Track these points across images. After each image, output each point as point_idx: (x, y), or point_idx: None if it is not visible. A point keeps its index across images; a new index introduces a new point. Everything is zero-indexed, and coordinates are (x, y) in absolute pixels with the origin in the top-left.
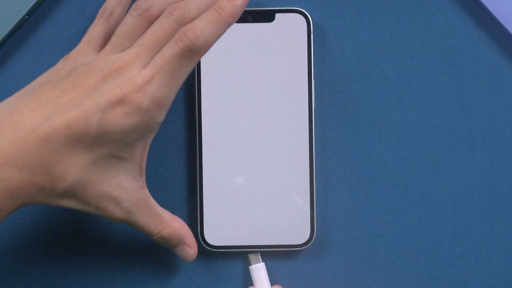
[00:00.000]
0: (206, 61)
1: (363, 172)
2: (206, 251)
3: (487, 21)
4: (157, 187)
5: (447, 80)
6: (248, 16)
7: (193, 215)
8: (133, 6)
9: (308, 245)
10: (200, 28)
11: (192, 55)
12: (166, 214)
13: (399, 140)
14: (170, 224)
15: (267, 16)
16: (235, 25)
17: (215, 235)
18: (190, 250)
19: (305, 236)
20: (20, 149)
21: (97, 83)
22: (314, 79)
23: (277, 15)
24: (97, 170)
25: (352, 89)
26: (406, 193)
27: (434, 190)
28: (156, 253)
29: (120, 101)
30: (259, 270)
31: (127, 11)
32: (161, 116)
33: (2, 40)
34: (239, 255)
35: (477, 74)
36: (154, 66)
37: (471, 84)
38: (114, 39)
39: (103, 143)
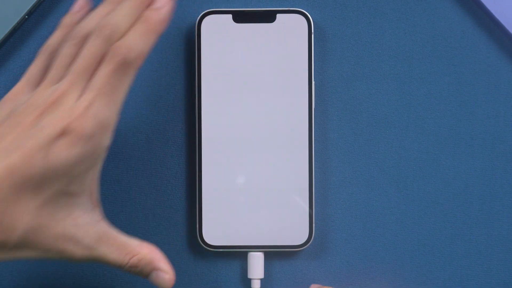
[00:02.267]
0: (207, 61)
1: (363, 172)
2: (205, 251)
3: (487, 21)
4: (157, 187)
5: (447, 80)
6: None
7: (192, 214)
8: (66, 37)
9: (307, 245)
10: (131, 41)
11: (128, 69)
12: (132, 242)
13: (399, 140)
14: (138, 250)
15: (268, 17)
16: (236, 25)
17: (213, 235)
18: (165, 275)
19: (304, 237)
20: None
21: (34, 120)
22: (314, 79)
23: (278, 15)
24: (48, 212)
25: (352, 89)
26: (406, 193)
27: (434, 190)
28: None
29: (62, 133)
30: (255, 257)
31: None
32: (107, 140)
33: (2, 40)
34: (237, 255)
35: (477, 74)
36: (92, 88)
37: (471, 84)
38: (52, 72)
39: (51, 181)
